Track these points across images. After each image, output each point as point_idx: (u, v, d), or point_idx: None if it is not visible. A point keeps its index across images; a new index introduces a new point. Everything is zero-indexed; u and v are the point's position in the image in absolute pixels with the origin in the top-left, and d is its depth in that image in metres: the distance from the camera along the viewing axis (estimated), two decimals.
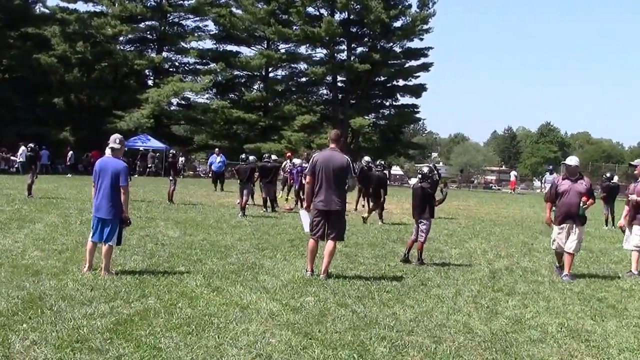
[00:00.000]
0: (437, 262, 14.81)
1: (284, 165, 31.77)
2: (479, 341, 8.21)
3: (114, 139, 11.40)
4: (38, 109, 62.15)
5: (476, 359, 7.48)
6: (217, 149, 43.32)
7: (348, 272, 12.77)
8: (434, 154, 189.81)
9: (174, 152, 34.27)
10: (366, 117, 71.32)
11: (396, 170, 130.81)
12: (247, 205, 24.20)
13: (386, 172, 25.42)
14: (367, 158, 26.92)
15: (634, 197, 14.13)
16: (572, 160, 13.77)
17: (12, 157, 53.08)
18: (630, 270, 13.99)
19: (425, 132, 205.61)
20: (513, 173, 77.25)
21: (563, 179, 13.64)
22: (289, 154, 35.86)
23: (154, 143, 61.36)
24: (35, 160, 29.51)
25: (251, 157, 25.74)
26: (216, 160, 38.90)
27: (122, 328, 7.93)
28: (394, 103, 79.36)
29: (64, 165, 55.92)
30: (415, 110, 79.00)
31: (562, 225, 13.40)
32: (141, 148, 60.19)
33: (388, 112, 79.54)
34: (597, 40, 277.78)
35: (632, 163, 14.90)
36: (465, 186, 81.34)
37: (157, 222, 19.80)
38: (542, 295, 11.42)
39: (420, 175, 14.93)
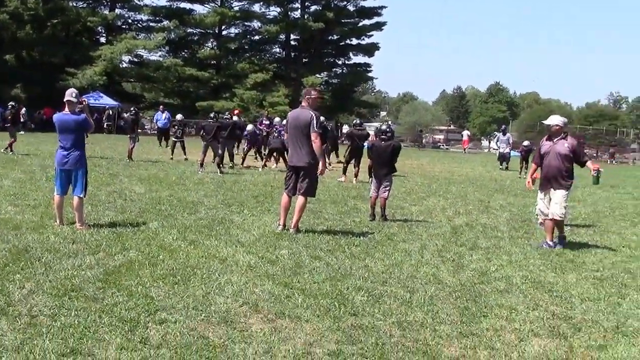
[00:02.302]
0: (400, 218, 15.27)
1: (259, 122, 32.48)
2: (449, 291, 8.67)
3: (70, 93, 11.52)
4: None
5: (449, 307, 7.90)
6: (161, 106, 43.06)
7: (316, 227, 13.14)
8: (383, 113, 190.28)
9: (136, 109, 34.01)
10: (318, 76, 71.53)
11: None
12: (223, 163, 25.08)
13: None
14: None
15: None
16: (551, 120, 12.75)
17: None
18: (546, 241, 12.57)
19: (375, 91, 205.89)
20: (466, 132, 77.84)
21: (546, 140, 12.79)
22: (236, 111, 36.01)
23: (107, 100, 61.07)
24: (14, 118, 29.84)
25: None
26: (162, 117, 38.78)
27: (112, 278, 8.24)
28: (347, 62, 79.73)
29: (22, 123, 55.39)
30: (368, 69, 79.58)
31: (544, 192, 12.62)
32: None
33: (341, 70, 79.91)
34: (546, 1, 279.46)
35: (545, 122, 13.19)
36: (415, 145, 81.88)
37: (121, 179, 19.96)
38: (503, 249, 11.94)
39: (380, 133, 15.33)
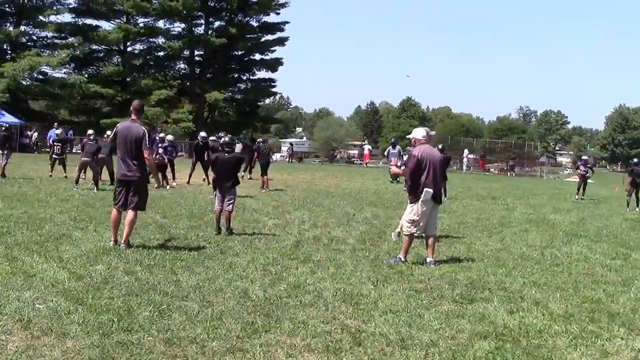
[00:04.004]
0: (249, 232, 15.08)
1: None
2: (249, 305, 8.50)
3: None
4: None
5: (235, 323, 7.71)
6: (56, 123, 42.45)
7: (152, 242, 12.96)
8: (299, 129, 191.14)
9: (6, 125, 33.33)
10: (222, 92, 71.19)
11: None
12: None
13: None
14: (202, 134, 27.83)
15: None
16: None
17: None
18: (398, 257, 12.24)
19: (291, 107, 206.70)
20: (367, 147, 77.97)
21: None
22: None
23: (9, 118, 59.72)
24: None
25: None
26: (53, 134, 38.26)
27: None
28: (251, 77, 79.68)
29: None
30: (272, 84, 79.76)
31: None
32: None
33: (245, 86, 79.88)
34: (458, 15, 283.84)
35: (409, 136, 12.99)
36: (327, 160, 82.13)
37: None
38: (336, 262, 11.79)
39: (224, 145, 15.21)
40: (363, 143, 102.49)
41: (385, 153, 45.22)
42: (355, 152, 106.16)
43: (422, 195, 11.86)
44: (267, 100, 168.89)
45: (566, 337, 7.84)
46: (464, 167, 68.64)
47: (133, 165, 12.06)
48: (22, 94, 71.04)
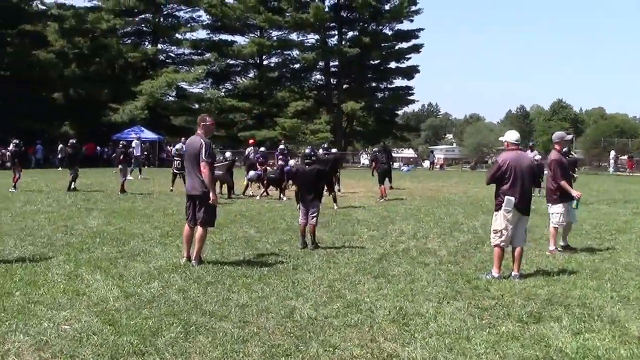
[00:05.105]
0: (338, 244, 14.63)
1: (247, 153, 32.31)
2: (288, 326, 8.10)
3: None
4: (37, 104, 62.50)
5: (258, 346, 7.30)
6: (182, 137, 42.97)
7: (230, 257, 12.71)
8: (449, 135, 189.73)
9: (124, 143, 33.76)
10: (359, 101, 70.78)
11: (409, 153, 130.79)
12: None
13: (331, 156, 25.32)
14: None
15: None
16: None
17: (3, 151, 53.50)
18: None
19: (440, 113, 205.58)
20: None
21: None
22: (251, 141, 35.86)
23: (148, 134, 61.44)
24: (19, 155, 30.09)
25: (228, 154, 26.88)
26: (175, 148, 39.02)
27: None
28: (388, 86, 79.09)
29: (59, 159, 56.03)
30: (410, 92, 78.71)
31: None
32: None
33: (382, 95, 79.20)
34: (610, 15, 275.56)
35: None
36: (479, 166, 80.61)
37: (93, 213, 20.05)
38: (411, 277, 11.12)
39: (305, 157, 14.73)
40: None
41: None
42: None
43: (504, 204, 11.13)
44: (415, 108, 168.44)
45: None
46: (611, 169, 66.25)
47: (197, 180, 11.83)
48: (162, 110, 72.78)
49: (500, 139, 12.34)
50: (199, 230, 11.88)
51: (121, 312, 8.44)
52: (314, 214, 14.04)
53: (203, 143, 11.77)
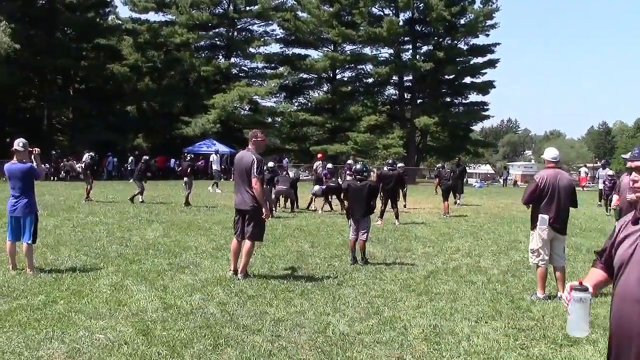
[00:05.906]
0: (389, 261, 14.56)
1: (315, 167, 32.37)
2: (319, 341, 8.12)
3: (17, 143, 11.63)
4: (111, 117, 64.09)
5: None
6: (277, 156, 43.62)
7: (277, 272, 12.78)
8: (528, 152, 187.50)
9: (191, 156, 34.52)
10: (432, 116, 70.21)
11: (486, 168, 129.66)
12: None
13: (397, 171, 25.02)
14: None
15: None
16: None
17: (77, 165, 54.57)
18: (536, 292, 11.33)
19: (519, 129, 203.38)
20: (583, 169, 74.72)
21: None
22: (319, 155, 36.00)
23: (220, 147, 61.86)
24: (92, 167, 30.88)
25: (270, 164, 26.24)
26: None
27: None
28: (463, 101, 78.39)
29: (129, 171, 57.08)
30: (485, 107, 77.81)
31: None
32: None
33: (456, 110, 78.37)
34: None
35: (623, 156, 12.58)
36: None
37: (153, 225, 20.28)
38: (455, 295, 11.07)
39: (356, 173, 14.65)
40: (595, 165, 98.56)
41: (597, 175, 42.89)
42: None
43: (538, 222, 11.00)
44: (493, 124, 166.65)
45: None
46: None
47: (247, 195, 11.92)
48: (234, 124, 73.30)
49: (542, 157, 12.15)
50: (247, 244, 11.98)
51: (157, 323, 8.58)
52: (365, 230, 14.03)
53: (255, 159, 11.87)
